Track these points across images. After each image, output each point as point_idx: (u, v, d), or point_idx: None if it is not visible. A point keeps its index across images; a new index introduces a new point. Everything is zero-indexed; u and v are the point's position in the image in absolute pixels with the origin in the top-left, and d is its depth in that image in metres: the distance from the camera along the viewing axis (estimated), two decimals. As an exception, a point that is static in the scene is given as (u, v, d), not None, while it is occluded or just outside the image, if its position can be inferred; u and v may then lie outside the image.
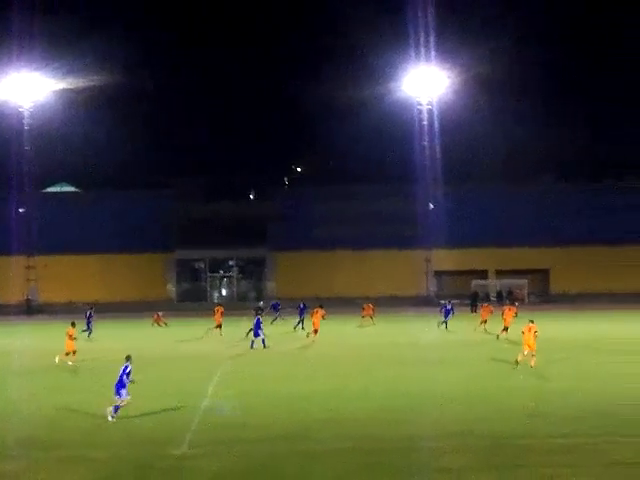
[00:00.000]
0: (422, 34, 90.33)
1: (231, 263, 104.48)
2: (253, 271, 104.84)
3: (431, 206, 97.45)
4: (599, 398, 29.18)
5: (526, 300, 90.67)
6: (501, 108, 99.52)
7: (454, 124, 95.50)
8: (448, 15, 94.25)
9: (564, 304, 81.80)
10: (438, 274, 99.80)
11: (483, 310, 58.23)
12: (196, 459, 21.57)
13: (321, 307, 52.02)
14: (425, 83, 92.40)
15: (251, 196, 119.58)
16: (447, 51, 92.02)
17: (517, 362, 36.66)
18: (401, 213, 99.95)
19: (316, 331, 49.72)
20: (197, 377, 35.35)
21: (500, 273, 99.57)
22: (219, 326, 55.19)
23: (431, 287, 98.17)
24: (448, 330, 57.20)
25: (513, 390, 31.14)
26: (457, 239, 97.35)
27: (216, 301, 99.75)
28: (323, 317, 51.06)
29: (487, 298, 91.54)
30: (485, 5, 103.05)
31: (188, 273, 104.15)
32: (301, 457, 21.52)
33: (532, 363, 36.07)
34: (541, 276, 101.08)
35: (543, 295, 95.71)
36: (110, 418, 25.98)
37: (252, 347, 45.72)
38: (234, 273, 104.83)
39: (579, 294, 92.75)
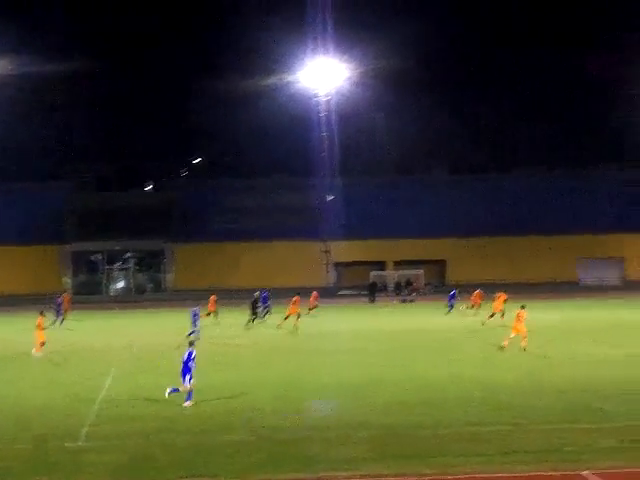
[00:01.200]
0: (321, 25, 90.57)
1: (128, 255, 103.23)
2: (151, 263, 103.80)
3: (329, 198, 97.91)
4: (494, 385, 29.71)
5: (422, 290, 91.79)
6: (397, 101, 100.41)
7: (352, 116, 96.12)
8: (349, 7, 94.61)
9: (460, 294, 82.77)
10: (337, 265, 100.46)
11: (474, 296, 59.87)
12: (90, 452, 21.28)
13: (298, 294, 53.35)
14: (323, 75, 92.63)
15: (149, 187, 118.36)
16: (346, 43, 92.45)
17: (503, 347, 38.47)
18: (300, 205, 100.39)
19: (299, 315, 52.10)
20: (96, 370, 34.92)
21: (398, 264, 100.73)
22: (210, 314, 55.94)
23: (330, 278, 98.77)
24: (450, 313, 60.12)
25: (410, 380, 31.46)
26: (355, 231, 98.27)
27: (112, 294, 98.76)
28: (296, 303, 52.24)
29: (385, 288, 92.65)
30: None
31: (84, 266, 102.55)
32: (198, 449, 21.40)
33: (523, 344, 38.19)
34: (438, 267, 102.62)
35: (440, 285, 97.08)
36: (187, 404, 26.41)
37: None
38: (131, 265, 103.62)
39: (475, 284, 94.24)
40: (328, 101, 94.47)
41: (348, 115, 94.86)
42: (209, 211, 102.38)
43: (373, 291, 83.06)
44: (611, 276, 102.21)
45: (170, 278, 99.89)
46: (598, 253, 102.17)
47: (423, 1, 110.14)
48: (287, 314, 52.03)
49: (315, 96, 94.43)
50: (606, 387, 28.94)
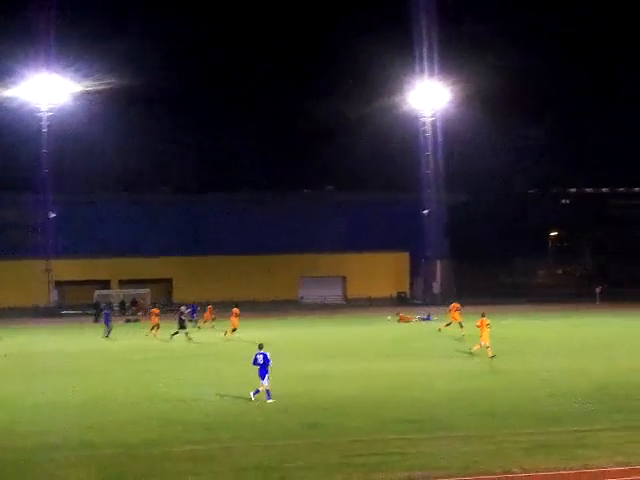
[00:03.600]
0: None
1: None
2: None
3: (52, 215, 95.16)
4: (220, 404, 29.97)
5: (148, 309, 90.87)
6: (115, 120, 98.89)
7: (78, 133, 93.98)
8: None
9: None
10: (60, 284, 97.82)
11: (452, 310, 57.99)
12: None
13: (237, 306, 56.82)
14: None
15: None
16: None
17: (472, 352, 41.87)
18: (20, 222, 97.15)
19: (234, 330, 55.24)
20: None
21: (123, 283, 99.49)
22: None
23: (52, 297, 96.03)
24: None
25: (150, 398, 31.32)
26: (79, 249, 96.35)
27: None
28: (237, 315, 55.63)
29: (110, 308, 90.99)
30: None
31: None
32: None
33: (475, 348, 41.97)
34: (164, 285, 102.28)
35: (167, 304, 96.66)
36: (269, 400, 29.45)
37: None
38: None
39: (202, 302, 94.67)
40: (50, 116, 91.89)
41: (69, 131, 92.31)
42: None
43: (98, 310, 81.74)
44: (333, 294, 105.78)
45: None
46: (319, 272, 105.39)
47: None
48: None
49: (37, 111, 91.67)
50: (342, 404, 29.80)
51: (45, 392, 32.97)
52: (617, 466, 20.59)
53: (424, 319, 72.57)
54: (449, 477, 19.61)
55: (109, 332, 59.51)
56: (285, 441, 23.76)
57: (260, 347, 30.44)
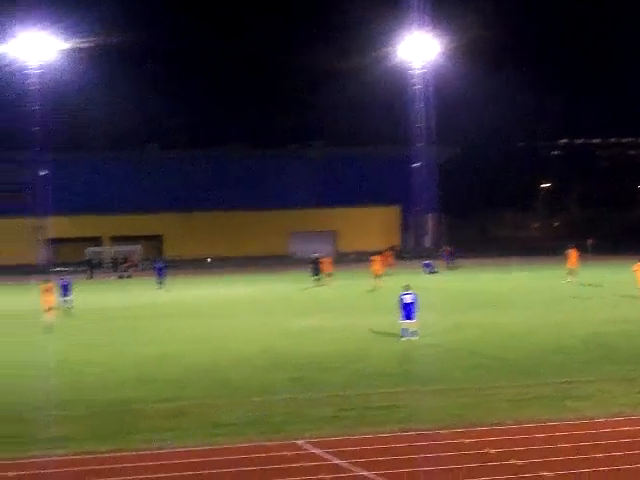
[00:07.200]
0: None
1: None
2: None
3: (42, 172, 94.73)
4: (204, 361, 30.18)
5: (140, 266, 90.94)
6: (105, 76, 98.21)
7: (68, 90, 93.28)
8: None
9: (179, 269, 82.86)
10: (51, 242, 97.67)
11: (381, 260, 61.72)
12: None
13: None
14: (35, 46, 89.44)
15: None
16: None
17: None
18: (12, 180, 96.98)
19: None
20: None
21: (115, 240, 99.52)
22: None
23: (44, 255, 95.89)
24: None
25: (120, 357, 31.42)
26: (70, 206, 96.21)
27: None
28: None
29: (101, 265, 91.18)
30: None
31: None
32: None
33: None
34: (155, 242, 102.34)
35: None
36: (415, 337, 31.46)
37: None
38: None
39: (191, 259, 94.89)
40: (40, 74, 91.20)
41: (58, 88, 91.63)
42: None
43: (91, 267, 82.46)
44: (324, 249, 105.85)
45: None
46: (311, 227, 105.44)
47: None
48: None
49: (26, 68, 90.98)
50: (311, 358, 29.92)
51: (39, 350, 33.05)
52: (611, 417, 20.65)
53: (429, 270, 71.85)
54: (439, 429, 19.79)
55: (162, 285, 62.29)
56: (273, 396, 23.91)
57: (406, 288, 31.46)
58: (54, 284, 43.11)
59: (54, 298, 41.60)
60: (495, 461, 17.35)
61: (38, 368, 28.57)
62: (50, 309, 40.32)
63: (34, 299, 43.40)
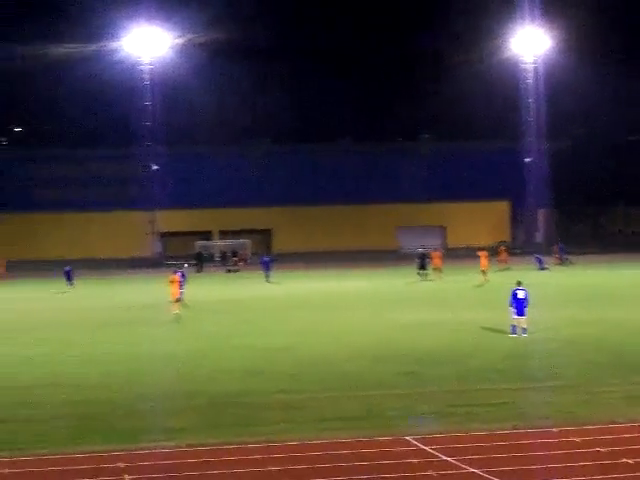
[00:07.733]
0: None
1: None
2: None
3: (154, 167, 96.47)
4: (316, 354, 30.17)
5: (249, 260, 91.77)
6: (219, 70, 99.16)
7: (174, 85, 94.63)
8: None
9: (287, 263, 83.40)
10: (163, 235, 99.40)
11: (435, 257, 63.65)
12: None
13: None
14: (147, 43, 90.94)
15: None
16: (171, 11, 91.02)
17: None
18: (124, 175, 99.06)
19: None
20: None
21: (224, 234, 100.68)
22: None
23: (156, 248, 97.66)
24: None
25: (233, 349, 31.63)
26: (181, 200, 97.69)
27: None
28: None
29: (211, 258, 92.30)
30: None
31: None
32: (21, 424, 20.89)
33: None
34: (264, 236, 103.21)
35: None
36: (524, 334, 31.30)
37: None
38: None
39: (301, 253, 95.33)
40: (152, 69, 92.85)
41: (170, 84, 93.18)
42: (30, 181, 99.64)
43: (200, 261, 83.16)
44: (433, 244, 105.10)
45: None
46: (419, 222, 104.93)
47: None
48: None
49: (139, 64, 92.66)
50: (422, 352, 29.71)
51: (155, 343, 33.58)
52: None
53: (540, 266, 70.70)
54: (550, 427, 19.43)
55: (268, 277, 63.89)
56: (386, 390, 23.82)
57: (519, 283, 31.57)
58: (179, 276, 43.79)
59: (178, 289, 42.26)
60: (606, 460, 16.97)
61: (167, 359, 29.56)
62: (178, 300, 41.15)
63: (156, 290, 44.09)
